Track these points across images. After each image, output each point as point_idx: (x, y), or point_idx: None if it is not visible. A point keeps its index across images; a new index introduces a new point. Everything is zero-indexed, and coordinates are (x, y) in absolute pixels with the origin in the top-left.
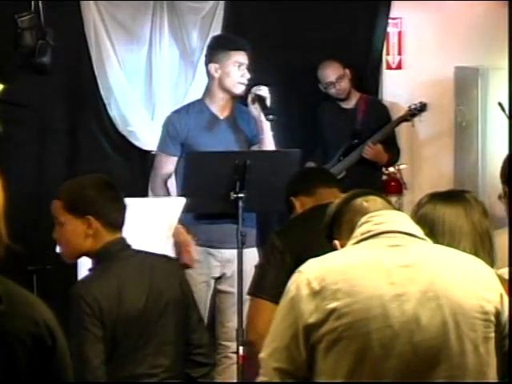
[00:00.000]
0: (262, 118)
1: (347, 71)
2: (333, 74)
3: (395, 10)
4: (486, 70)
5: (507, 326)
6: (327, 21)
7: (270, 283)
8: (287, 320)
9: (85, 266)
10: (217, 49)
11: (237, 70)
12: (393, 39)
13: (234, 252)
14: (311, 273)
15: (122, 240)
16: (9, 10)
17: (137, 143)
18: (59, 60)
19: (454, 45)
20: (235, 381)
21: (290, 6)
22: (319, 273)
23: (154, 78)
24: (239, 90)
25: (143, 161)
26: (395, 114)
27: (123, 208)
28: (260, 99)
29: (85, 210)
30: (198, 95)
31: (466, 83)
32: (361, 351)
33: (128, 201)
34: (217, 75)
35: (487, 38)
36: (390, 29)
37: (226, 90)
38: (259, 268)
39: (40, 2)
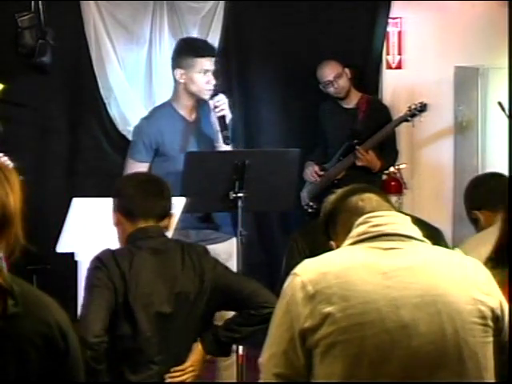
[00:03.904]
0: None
1: (346, 70)
2: (331, 73)
3: (395, 10)
4: (486, 69)
5: (507, 334)
6: (327, 21)
7: None
8: (284, 324)
9: (85, 265)
10: (183, 54)
11: (202, 76)
12: (393, 39)
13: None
14: (306, 276)
15: (142, 230)
16: (9, 9)
17: None
18: (59, 60)
19: (454, 45)
20: (235, 380)
21: (290, 5)
22: (314, 276)
23: (154, 78)
24: (205, 95)
25: None
26: (395, 114)
27: (146, 199)
28: (220, 119)
29: (113, 207)
30: None
31: (465, 83)
32: (357, 356)
33: None
34: (182, 81)
35: (487, 37)
36: (389, 28)
37: (192, 95)
38: (285, 265)
39: (40, 1)
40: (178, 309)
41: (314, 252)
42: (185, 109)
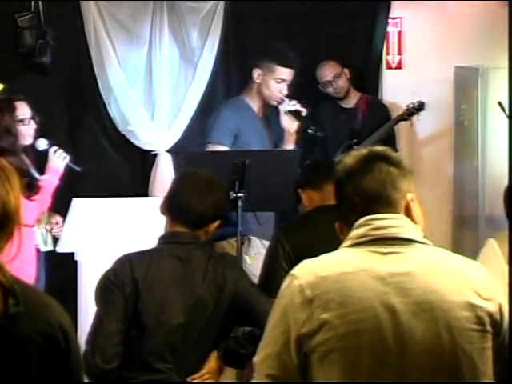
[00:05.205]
0: (292, 130)
1: (345, 70)
2: (329, 73)
3: (395, 10)
4: (486, 69)
5: (506, 337)
6: (327, 21)
7: (280, 282)
8: (280, 326)
9: (85, 266)
10: (266, 58)
11: (277, 84)
12: (393, 39)
13: None
14: (304, 279)
15: (174, 234)
16: (9, 9)
17: (137, 143)
18: (59, 60)
19: (454, 45)
20: (235, 381)
21: (290, 6)
22: (313, 279)
23: (154, 78)
24: (273, 101)
25: (143, 161)
26: (395, 114)
27: (189, 203)
28: (299, 117)
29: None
30: (198, 95)
31: (466, 83)
32: (354, 363)
33: (127, 200)
34: (258, 81)
35: (487, 37)
36: (389, 29)
37: (262, 97)
38: (267, 267)
39: (40, 1)
40: (193, 319)
41: (298, 256)
42: (256, 105)
